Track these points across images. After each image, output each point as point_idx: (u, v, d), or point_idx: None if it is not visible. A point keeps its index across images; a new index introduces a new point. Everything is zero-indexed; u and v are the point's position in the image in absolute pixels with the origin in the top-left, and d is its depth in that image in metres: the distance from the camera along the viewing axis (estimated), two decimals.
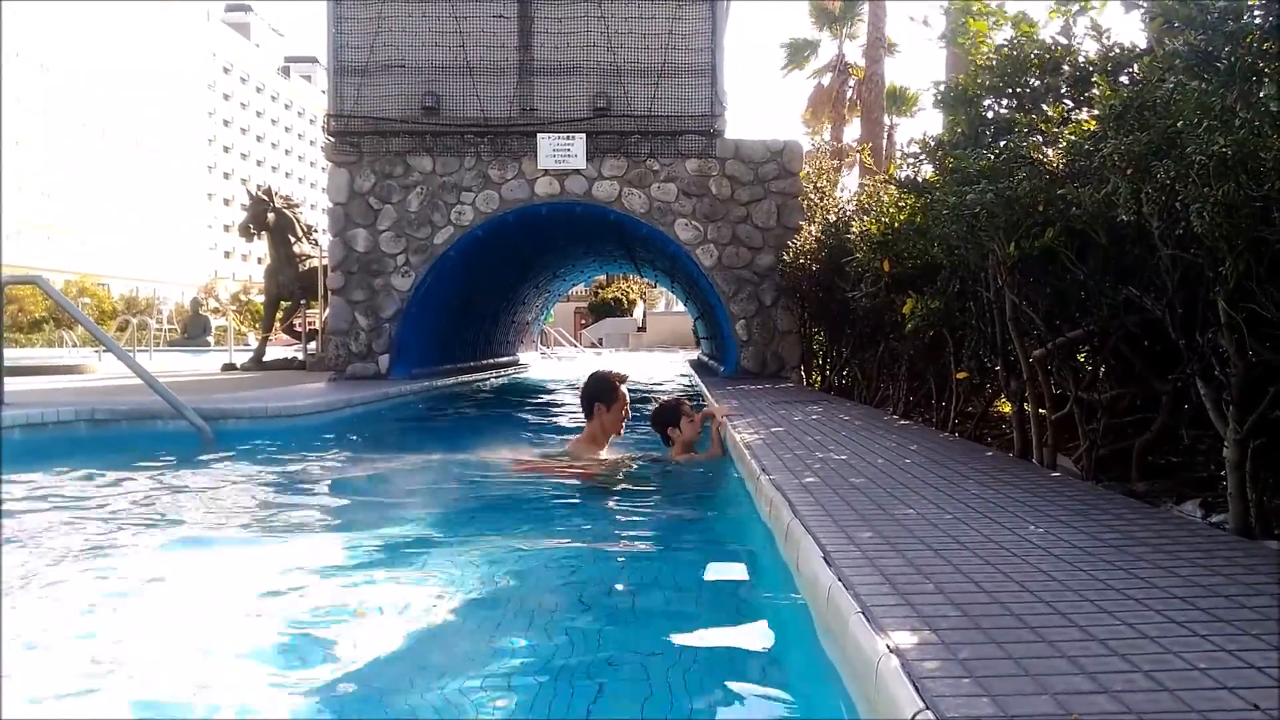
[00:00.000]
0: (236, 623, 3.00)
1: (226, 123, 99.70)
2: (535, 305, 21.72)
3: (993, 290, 4.80)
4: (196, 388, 10.12)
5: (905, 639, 1.95)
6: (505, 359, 19.14)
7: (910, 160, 6.23)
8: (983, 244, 4.45)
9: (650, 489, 5.22)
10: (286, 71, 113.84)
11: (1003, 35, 5.30)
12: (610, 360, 27.44)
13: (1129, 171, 3.15)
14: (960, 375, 5.94)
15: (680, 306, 32.39)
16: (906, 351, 6.95)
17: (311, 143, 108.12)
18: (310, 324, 16.82)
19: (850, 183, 20.62)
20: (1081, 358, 4.73)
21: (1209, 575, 2.44)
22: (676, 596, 3.33)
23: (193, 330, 31.81)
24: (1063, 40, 5.02)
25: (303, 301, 16.36)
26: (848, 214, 9.44)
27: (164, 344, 29.89)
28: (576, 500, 4.99)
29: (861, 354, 8.95)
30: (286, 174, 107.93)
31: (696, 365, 17.81)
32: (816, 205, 12.30)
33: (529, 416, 10.97)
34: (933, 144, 5.72)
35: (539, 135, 12.19)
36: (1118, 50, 4.64)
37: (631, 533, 4.35)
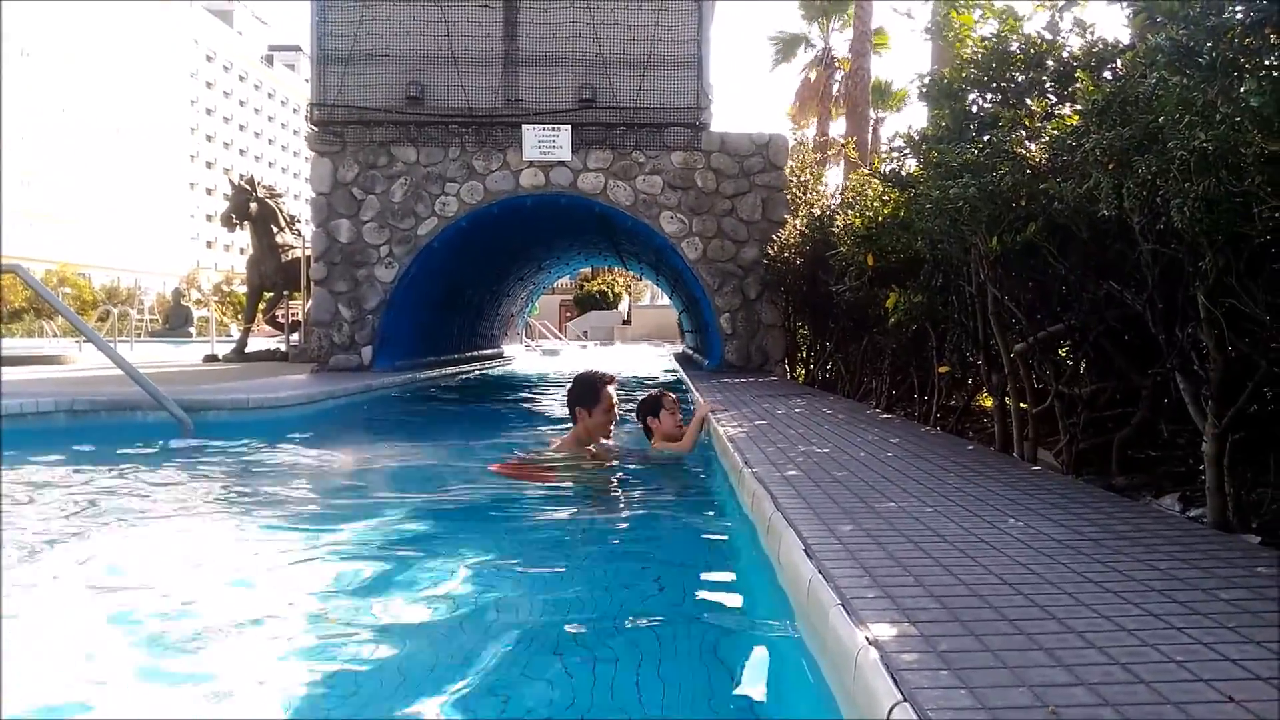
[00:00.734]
0: (212, 616, 2.97)
1: (209, 111, 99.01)
2: (520, 298, 21.68)
3: (975, 284, 4.81)
4: (178, 379, 10.05)
5: (885, 631, 1.95)
6: (490, 351, 19.09)
7: (894, 154, 6.24)
8: (965, 238, 4.46)
9: (630, 485, 5.21)
10: (270, 60, 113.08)
11: (988, 29, 5.31)
12: (595, 353, 27.43)
13: (1111, 166, 3.16)
14: (942, 369, 5.97)
15: (665, 300, 32.38)
16: (889, 345, 6.97)
17: (295, 132, 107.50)
18: (293, 315, 16.74)
19: (835, 177, 20.64)
20: (1062, 352, 4.75)
21: (1187, 569, 2.45)
22: (656, 589, 3.33)
23: (174, 321, 31.56)
24: (1047, 35, 5.03)
25: (285, 292, 16.27)
26: (832, 208, 9.44)
27: (145, 335, 29.65)
28: (554, 500, 4.96)
29: (845, 348, 8.96)
30: (269, 163, 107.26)
31: (681, 358, 17.82)
32: (801, 199, 12.30)
33: (513, 410, 10.96)
34: (917, 138, 5.73)
35: (524, 126, 12.14)
36: (1101, 45, 4.65)
37: (611, 528, 4.35)
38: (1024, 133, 4.19)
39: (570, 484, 5.15)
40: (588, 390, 5.61)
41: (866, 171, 7.50)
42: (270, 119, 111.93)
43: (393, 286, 12.21)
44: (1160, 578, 2.37)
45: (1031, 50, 5.05)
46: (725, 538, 3.98)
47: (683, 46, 12.42)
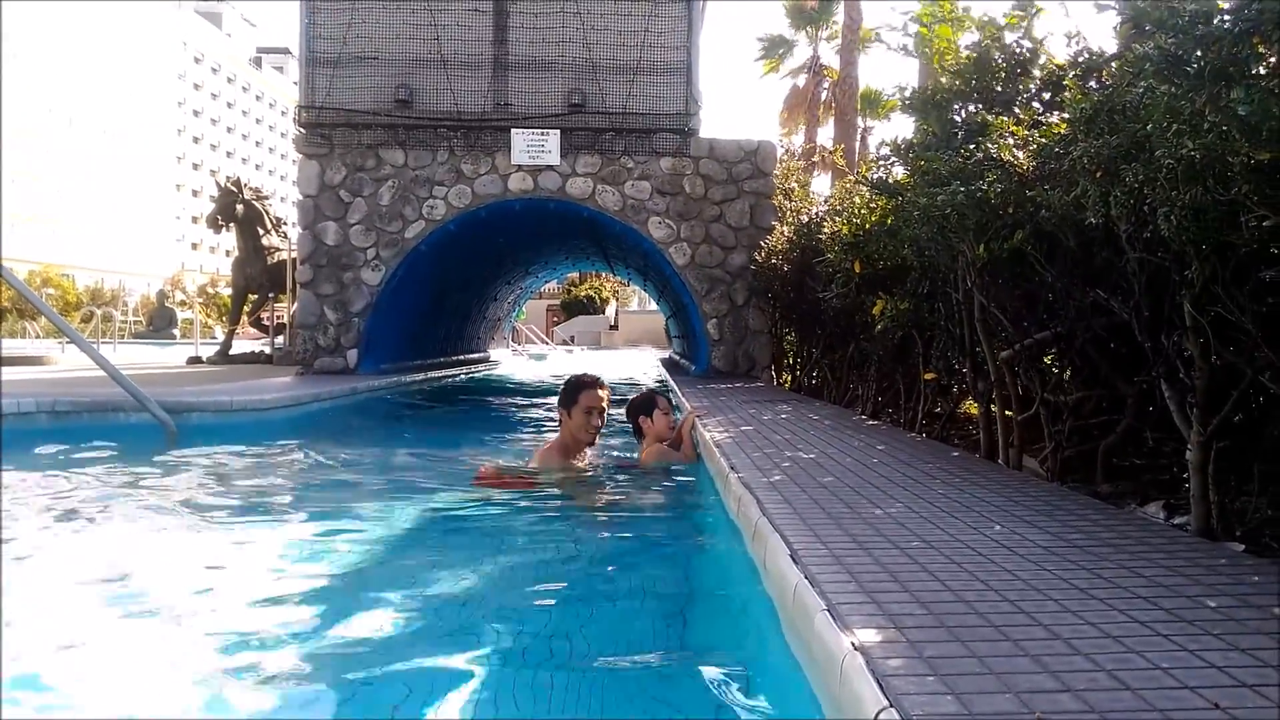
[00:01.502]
0: (190, 618, 2.95)
1: (196, 113, 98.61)
2: (507, 302, 21.63)
3: (961, 292, 4.82)
4: (161, 380, 9.98)
5: (870, 637, 1.94)
6: (476, 356, 19.05)
7: (882, 162, 6.26)
8: (952, 245, 4.47)
9: (614, 493, 5.17)
10: (258, 62, 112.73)
11: (969, 39, 5.33)
12: (581, 358, 27.40)
13: (1098, 174, 3.17)
14: (928, 376, 5.97)
15: (653, 305, 32.40)
16: (876, 352, 6.98)
17: (282, 135, 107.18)
18: (278, 317, 16.65)
19: (823, 185, 20.71)
20: (1048, 359, 4.76)
21: (1171, 576, 2.46)
22: (638, 595, 3.32)
23: (158, 323, 31.38)
24: (1027, 44, 5.06)
25: (271, 295, 16.19)
26: (819, 215, 9.46)
27: (129, 336, 29.47)
28: (537, 507, 4.92)
29: (831, 354, 8.98)
30: (257, 166, 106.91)
31: (668, 364, 17.82)
32: (788, 206, 12.33)
33: (498, 414, 10.93)
34: (904, 146, 5.74)
35: (513, 130, 12.12)
36: (1088, 55, 4.67)
37: (593, 534, 4.33)
38: (1011, 140, 4.20)
39: (554, 491, 5.11)
40: (569, 391, 5.52)
41: (854, 179, 7.52)
42: (258, 121, 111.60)
43: (379, 290, 12.16)
44: (1145, 585, 2.37)
45: (1012, 61, 5.08)
46: (710, 543, 3.97)
47: (672, 52, 12.43)
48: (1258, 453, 3.24)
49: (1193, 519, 3.14)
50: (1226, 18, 2.64)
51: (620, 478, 5.42)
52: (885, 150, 6.04)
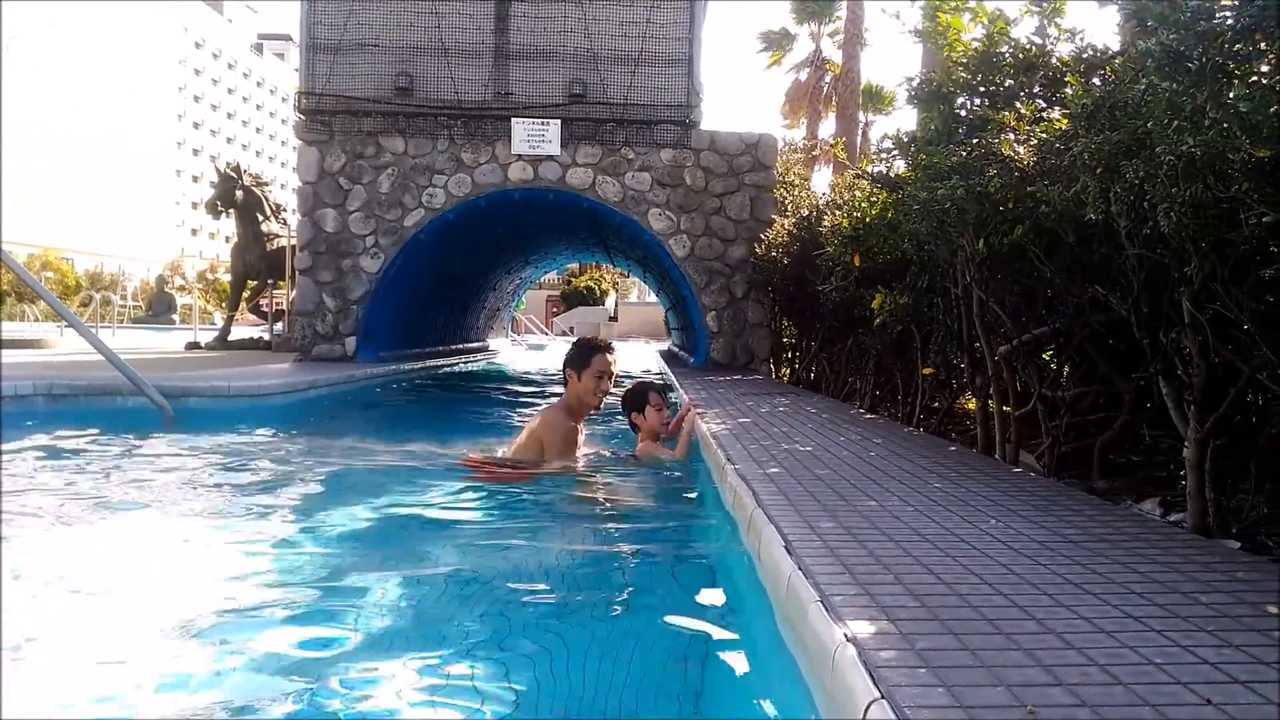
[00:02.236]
0: (185, 603, 2.95)
1: (197, 99, 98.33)
2: (506, 291, 21.62)
3: (961, 286, 4.82)
4: (159, 365, 9.97)
5: (863, 628, 1.95)
6: (475, 345, 19.04)
7: (883, 155, 6.25)
8: (952, 240, 4.46)
9: (608, 485, 5.15)
10: (259, 48, 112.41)
11: (977, 32, 5.31)
12: None
13: (1098, 170, 3.16)
14: (926, 371, 5.97)
15: (652, 297, 32.38)
16: (874, 346, 6.98)
17: (283, 121, 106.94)
18: (277, 304, 16.64)
19: (824, 179, 20.68)
20: (1046, 355, 4.76)
21: (1166, 572, 2.46)
22: (633, 584, 3.32)
23: (157, 308, 31.36)
24: (1037, 40, 5.04)
25: (270, 281, 16.17)
26: (820, 208, 9.45)
27: (128, 321, 29.44)
28: (532, 496, 4.92)
29: (830, 348, 8.97)
30: (257, 152, 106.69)
31: (667, 356, 17.81)
32: (789, 199, 12.31)
33: (496, 404, 10.92)
34: (906, 140, 5.73)
35: (514, 120, 12.10)
36: (1091, 51, 4.66)
37: (588, 523, 4.32)
38: (1012, 136, 4.19)
39: (549, 482, 5.09)
40: (581, 353, 5.30)
41: (855, 172, 7.51)
42: (258, 107, 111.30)
43: (378, 277, 12.15)
44: (1140, 581, 2.37)
45: (1020, 55, 5.06)
46: (706, 534, 3.97)
47: (674, 44, 12.40)
48: (1254, 450, 3.24)
49: (1189, 516, 3.14)
50: (1228, 14, 2.63)
51: (615, 469, 5.39)
52: (887, 144, 6.03)
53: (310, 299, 12.21)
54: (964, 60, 5.27)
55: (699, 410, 6.10)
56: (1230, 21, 2.62)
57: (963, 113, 5.34)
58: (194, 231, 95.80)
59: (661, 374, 11.95)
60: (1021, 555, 2.60)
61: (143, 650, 2.54)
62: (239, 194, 15.44)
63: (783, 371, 11.82)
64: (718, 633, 2.81)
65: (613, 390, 5.44)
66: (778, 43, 31.77)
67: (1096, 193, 3.15)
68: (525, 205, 12.68)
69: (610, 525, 4.23)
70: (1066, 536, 2.84)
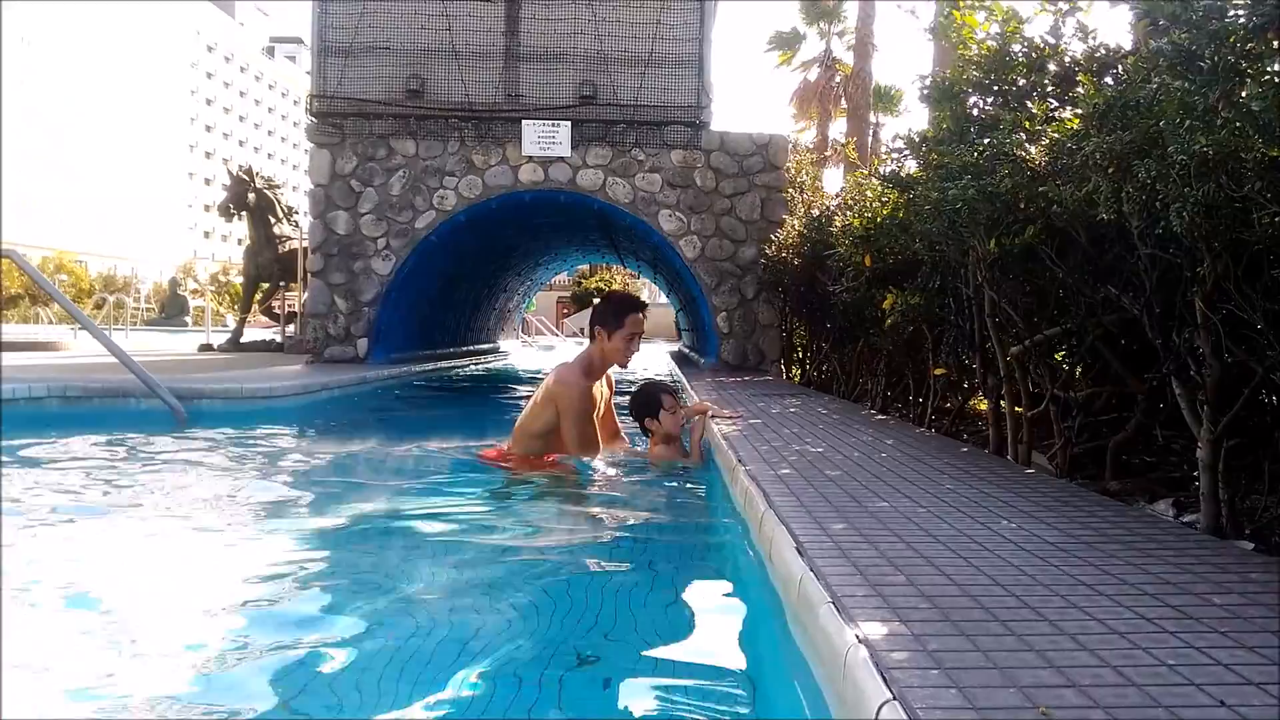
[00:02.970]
0: (199, 605, 2.96)
1: (209, 102, 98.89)
2: (517, 293, 21.66)
3: (972, 287, 4.81)
4: (172, 367, 10.02)
5: (875, 630, 1.94)
6: (486, 346, 19.08)
7: (894, 155, 6.23)
8: (964, 240, 4.45)
9: (619, 481, 5.14)
10: (271, 51, 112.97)
11: (991, 30, 5.30)
12: None
13: (1110, 170, 3.15)
14: (938, 371, 5.95)
15: (662, 298, 32.33)
16: (885, 347, 6.96)
17: (295, 124, 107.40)
18: (289, 306, 16.71)
19: (835, 179, 20.65)
20: (1059, 356, 4.75)
21: (1180, 574, 2.45)
22: (644, 585, 3.32)
23: (170, 310, 31.54)
24: (1050, 39, 5.02)
25: (282, 283, 16.24)
26: (830, 209, 9.44)
27: (141, 323, 29.62)
28: (542, 493, 4.92)
29: (841, 348, 8.96)
30: (269, 155, 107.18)
31: (677, 357, 17.81)
32: (798, 200, 12.30)
33: (508, 405, 10.94)
34: (917, 140, 5.72)
35: (524, 122, 12.13)
36: (1103, 51, 4.65)
37: (598, 522, 4.33)
38: (1024, 135, 4.18)
39: (560, 477, 5.08)
40: (614, 310, 5.06)
41: (866, 173, 7.50)
42: (270, 110, 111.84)
43: (389, 279, 12.19)
44: (1153, 582, 2.36)
45: (1034, 54, 5.04)
46: (717, 535, 3.97)
47: (684, 45, 12.41)
48: (1268, 451, 3.23)
49: (1202, 517, 3.13)
50: (1240, 13, 2.62)
51: (627, 466, 5.38)
52: (898, 143, 6.01)
53: (322, 301, 12.26)
54: (977, 59, 5.26)
55: (728, 417, 5.88)
56: (1242, 20, 2.61)
57: (974, 112, 5.33)
58: (206, 234, 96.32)
59: (672, 375, 11.94)
60: (1034, 556, 2.60)
61: (153, 651, 2.55)
62: (251, 197, 15.52)
63: (793, 372, 11.81)
64: (728, 634, 2.81)
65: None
66: (788, 43, 31.74)
67: (1108, 193, 3.14)
68: (536, 207, 12.70)
69: (619, 524, 4.23)
70: (1079, 538, 2.83)
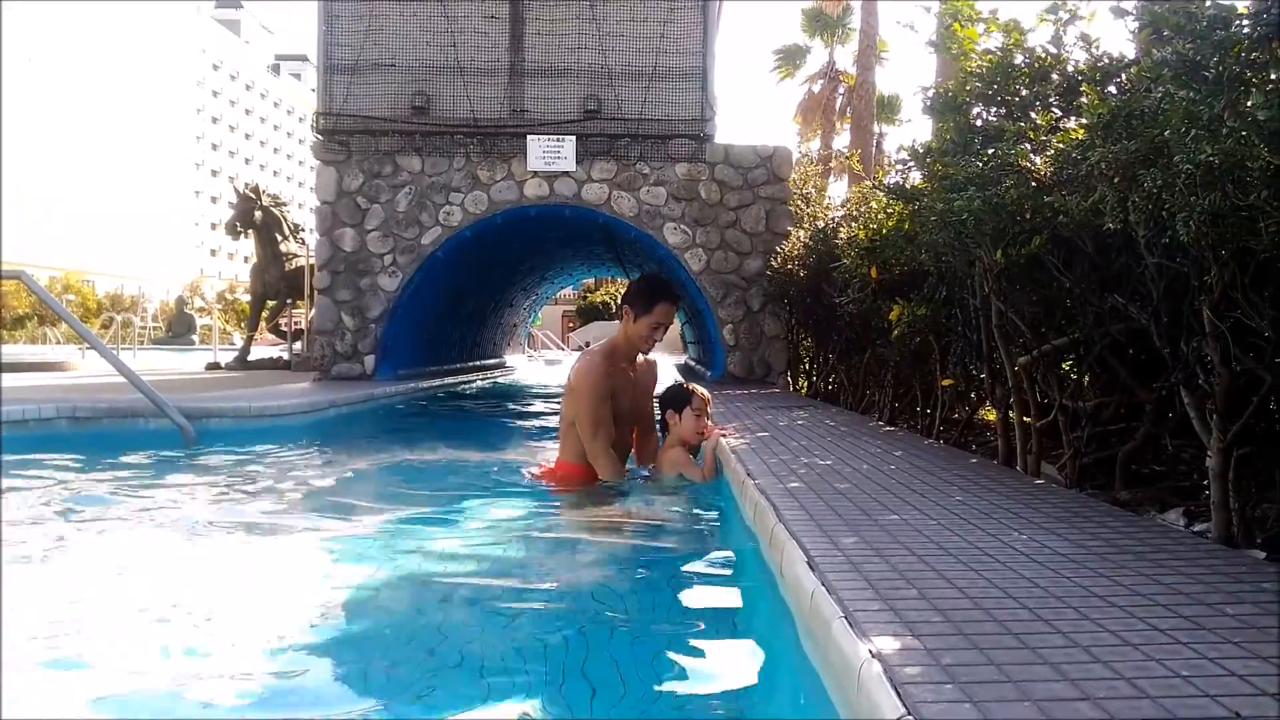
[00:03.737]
0: (211, 622, 2.97)
1: (215, 120, 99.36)
2: (523, 307, 21.70)
3: (979, 297, 4.81)
4: (180, 386, 10.05)
5: (888, 644, 1.94)
6: (492, 361, 19.10)
7: (899, 167, 6.24)
8: (970, 251, 4.46)
9: (629, 493, 5.13)
10: (276, 69, 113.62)
11: (992, 42, 5.31)
12: None
13: (1116, 180, 3.16)
14: (945, 382, 5.95)
15: None
16: (892, 358, 6.96)
17: (300, 141, 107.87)
18: (296, 323, 16.76)
19: (840, 190, 20.68)
20: (1066, 366, 4.74)
21: (1192, 583, 2.44)
22: (653, 600, 3.32)
23: (177, 328, 31.66)
24: (1052, 49, 5.03)
25: (289, 301, 16.29)
26: (836, 220, 9.45)
27: (148, 342, 29.70)
28: (554, 509, 4.92)
29: (848, 360, 8.95)
30: (275, 172, 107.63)
31: (684, 370, 17.81)
32: (804, 211, 12.32)
33: (516, 420, 10.95)
34: (922, 151, 5.73)
35: (529, 137, 12.17)
36: (1106, 60, 4.65)
37: (606, 536, 4.32)
38: (1029, 146, 4.18)
39: (571, 493, 5.07)
40: (645, 295, 4.94)
41: (870, 184, 7.51)
42: (276, 128, 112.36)
43: (396, 296, 12.22)
44: (1165, 592, 2.35)
45: (1036, 64, 5.05)
46: (726, 550, 3.97)
47: (687, 58, 12.45)
48: (1279, 459, 3.22)
49: (1213, 526, 3.12)
50: (1245, 22, 2.63)
51: (635, 480, 5.34)
52: (902, 155, 6.02)
53: (329, 318, 12.29)
54: (979, 70, 5.27)
55: (728, 433, 5.79)
56: (1246, 30, 2.61)
57: (978, 123, 5.33)
58: (213, 252, 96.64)
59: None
60: (1045, 568, 2.59)
61: (160, 667, 2.56)
62: (257, 214, 15.57)
63: (800, 384, 11.80)
64: (739, 649, 2.80)
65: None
66: (791, 57, 31.83)
67: (1114, 202, 3.14)
68: (541, 221, 12.73)
69: (628, 540, 4.23)
70: (1090, 548, 2.82)
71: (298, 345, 16.03)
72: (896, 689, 1.70)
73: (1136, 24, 3.78)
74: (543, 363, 27.21)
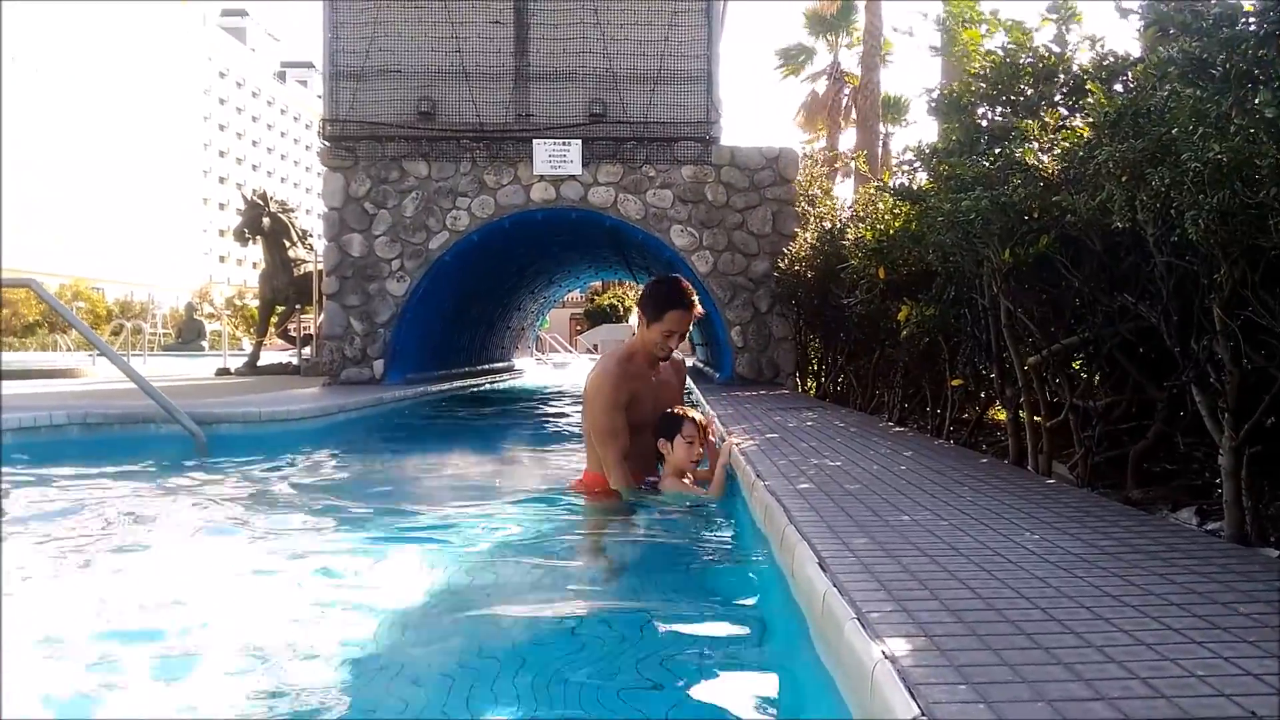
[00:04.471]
0: (222, 629, 2.98)
1: (222, 127, 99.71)
2: (530, 311, 21.71)
3: (988, 297, 4.80)
4: (190, 392, 10.09)
5: (900, 645, 1.94)
6: (501, 365, 19.12)
7: (905, 167, 6.24)
8: (978, 251, 4.45)
9: (642, 499, 5.10)
10: (282, 76, 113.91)
11: (996, 42, 5.30)
12: None
13: (1124, 178, 3.15)
14: (955, 382, 5.94)
15: None
16: (901, 358, 6.95)
17: (307, 147, 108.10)
18: (305, 329, 16.81)
19: (845, 191, 20.66)
20: (1076, 365, 4.73)
21: (1205, 582, 2.44)
22: (664, 603, 3.32)
23: (187, 335, 31.72)
24: (1055, 48, 5.03)
25: (297, 306, 16.33)
26: (843, 221, 9.44)
27: (158, 348, 29.78)
28: (564, 515, 4.91)
29: (856, 361, 8.94)
30: (282, 179, 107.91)
31: (692, 372, 17.81)
32: (811, 213, 12.30)
33: (525, 423, 10.96)
34: (928, 151, 5.72)
35: (535, 141, 12.18)
36: (1112, 59, 4.65)
37: (616, 543, 4.32)
38: (1036, 145, 4.18)
39: (588, 502, 5.01)
40: (656, 301, 4.75)
41: (877, 185, 7.50)
42: (283, 135, 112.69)
43: (404, 300, 12.25)
44: (1178, 592, 2.35)
45: (1040, 64, 5.05)
46: (738, 552, 3.97)
47: (692, 60, 12.45)
48: None
49: (1226, 525, 3.11)
50: (1251, 20, 2.62)
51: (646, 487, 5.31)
52: (909, 155, 6.02)
53: (338, 323, 12.32)
54: (983, 71, 5.26)
55: (734, 440, 5.50)
56: (1253, 27, 2.61)
57: (984, 123, 5.33)
58: (222, 258, 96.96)
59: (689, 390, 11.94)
60: (1057, 568, 2.59)
61: (169, 675, 2.57)
62: (265, 221, 15.63)
63: (809, 385, 11.78)
64: (752, 651, 2.80)
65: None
66: (795, 58, 31.78)
67: (1122, 201, 3.14)
68: (548, 225, 12.74)
69: (639, 543, 4.23)
70: (1102, 548, 2.82)
71: (307, 350, 16.08)
72: (910, 690, 1.70)
73: (1142, 22, 3.77)
74: (551, 365, 27.23)
